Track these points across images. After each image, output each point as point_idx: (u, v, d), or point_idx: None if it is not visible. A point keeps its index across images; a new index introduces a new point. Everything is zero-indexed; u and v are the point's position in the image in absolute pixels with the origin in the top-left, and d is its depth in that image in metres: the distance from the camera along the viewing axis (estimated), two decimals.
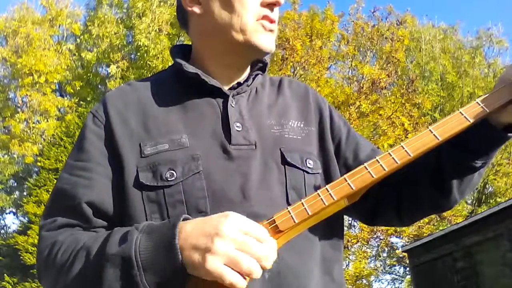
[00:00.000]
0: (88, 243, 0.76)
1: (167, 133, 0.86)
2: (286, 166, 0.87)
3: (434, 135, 0.79)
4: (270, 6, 0.90)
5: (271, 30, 0.91)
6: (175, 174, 0.81)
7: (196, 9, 0.93)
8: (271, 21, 0.91)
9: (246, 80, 0.96)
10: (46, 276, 0.81)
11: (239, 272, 0.66)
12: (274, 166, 0.86)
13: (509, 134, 0.82)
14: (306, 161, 0.89)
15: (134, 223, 0.79)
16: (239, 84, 0.95)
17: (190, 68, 0.91)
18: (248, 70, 0.99)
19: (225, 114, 0.89)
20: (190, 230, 0.69)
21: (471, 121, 0.79)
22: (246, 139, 0.87)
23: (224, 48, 0.92)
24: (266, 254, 0.68)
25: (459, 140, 0.82)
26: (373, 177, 0.78)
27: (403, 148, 0.79)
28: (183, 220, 0.72)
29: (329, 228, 0.87)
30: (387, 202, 0.94)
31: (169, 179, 0.81)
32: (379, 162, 0.79)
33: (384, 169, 0.79)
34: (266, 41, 0.90)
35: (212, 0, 0.91)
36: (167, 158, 0.83)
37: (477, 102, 0.80)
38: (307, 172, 0.89)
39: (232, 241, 0.66)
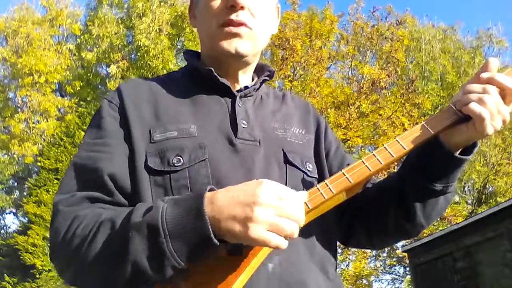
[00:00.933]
0: (112, 216, 0.75)
1: (177, 122, 0.89)
2: (287, 165, 0.91)
3: (427, 128, 0.82)
4: (232, 9, 0.92)
5: (236, 34, 0.92)
6: (182, 160, 0.84)
7: (194, 23, 1.03)
8: (237, 25, 0.92)
9: (254, 85, 1.00)
10: (63, 251, 0.78)
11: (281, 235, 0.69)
12: (276, 164, 0.90)
13: (464, 157, 0.85)
14: (306, 163, 0.94)
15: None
16: (246, 88, 0.99)
17: (203, 65, 0.97)
18: (254, 76, 1.05)
19: (233, 112, 0.94)
20: (223, 200, 0.69)
21: (461, 115, 0.82)
22: (251, 135, 0.92)
23: (210, 56, 0.98)
24: (302, 215, 0.71)
25: (418, 165, 0.87)
26: (370, 170, 0.81)
27: (398, 142, 0.82)
28: (209, 190, 0.72)
29: (322, 231, 0.90)
30: (358, 227, 0.98)
31: (176, 165, 0.84)
32: (375, 156, 0.82)
33: (381, 163, 0.81)
34: (228, 45, 0.92)
35: (198, 13, 1.01)
36: (175, 145, 0.86)
37: None
38: (307, 174, 0.93)
39: (271, 207, 0.68)
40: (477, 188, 16.55)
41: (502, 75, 0.82)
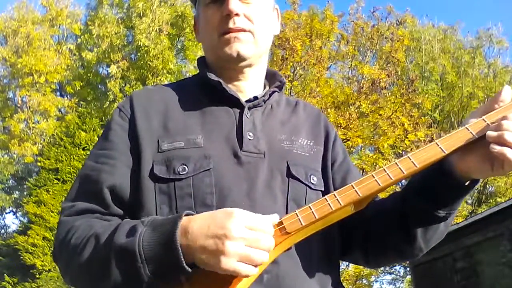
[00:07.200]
0: (99, 231, 0.81)
1: (184, 133, 0.92)
2: (290, 178, 0.91)
3: (440, 148, 0.80)
4: (227, 18, 0.95)
5: (236, 38, 0.96)
6: (187, 168, 0.87)
7: (199, 38, 1.07)
8: (236, 31, 0.96)
9: (263, 95, 1.01)
10: (61, 258, 0.87)
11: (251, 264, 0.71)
12: (279, 176, 0.91)
13: (473, 186, 0.83)
14: (310, 176, 0.94)
15: (145, 212, 0.85)
16: (255, 98, 1.00)
17: (213, 76, 0.98)
18: (266, 83, 1.06)
19: (240, 123, 0.95)
20: (196, 230, 0.72)
21: (476, 136, 0.79)
22: (256, 148, 0.93)
23: (216, 66, 1.02)
24: (272, 242, 0.73)
25: (423, 190, 0.85)
26: (379, 185, 0.79)
27: (410, 159, 0.80)
28: (186, 215, 0.75)
29: (324, 246, 0.90)
30: (356, 245, 0.97)
31: (181, 173, 0.87)
32: (386, 171, 0.80)
33: (391, 178, 0.79)
34: (230, 49, 0.96)
35: (199, 27, 1.06)
36: (181, 155, 0.89)
37: (483, 119, 0.80)
38: (310, 188, 0.93)
39: (241, 240, 0.70)
40: (477, 188, 16.55)
41: None
